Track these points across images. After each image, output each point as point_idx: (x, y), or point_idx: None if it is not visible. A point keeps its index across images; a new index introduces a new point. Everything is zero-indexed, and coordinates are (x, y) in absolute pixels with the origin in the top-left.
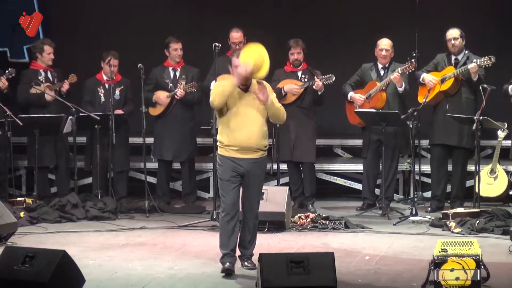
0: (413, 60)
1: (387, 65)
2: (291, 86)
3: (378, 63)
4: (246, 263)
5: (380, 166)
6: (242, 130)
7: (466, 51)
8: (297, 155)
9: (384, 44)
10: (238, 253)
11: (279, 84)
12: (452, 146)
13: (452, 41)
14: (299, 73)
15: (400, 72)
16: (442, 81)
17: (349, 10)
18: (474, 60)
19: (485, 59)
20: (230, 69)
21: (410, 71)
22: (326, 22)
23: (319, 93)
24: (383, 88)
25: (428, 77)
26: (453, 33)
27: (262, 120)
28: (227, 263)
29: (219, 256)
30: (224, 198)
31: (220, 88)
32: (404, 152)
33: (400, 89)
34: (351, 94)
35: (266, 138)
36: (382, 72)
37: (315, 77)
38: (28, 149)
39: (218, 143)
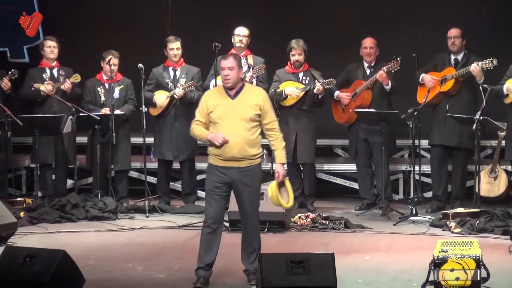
0: (398, 59)
1: (372, 64)
2: (292, 89)
3: (364, 62)
4: (250, 277)
5: (372, 165)
6: None
7: (466, 52)
8: (298, 157)
9: (368, 42)
10: (218, 267)
11: (280, 86)
12: (452, 146)
13: (453, 39)
14: (300, 75)
15: (385, 70)
16: (442, 81)
17: (349, 10)
18: (476, 63)
19: (487, 62)
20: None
21: (396, 69)
22: (326, 22)
23: (320, 96)
24: (369, 86)
25: (427, 77)
26: (454, 32)
27: (248, 128)
28: (200, 278)
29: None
30: (206, 209)
31: (197, 132)
32: (389, 153)
33: (387, 87)
34: (337, 93)
35: (256, 147)
36: (368, 71)
37: (316, 81)
38: (34, 148)
39: (207, 152)
